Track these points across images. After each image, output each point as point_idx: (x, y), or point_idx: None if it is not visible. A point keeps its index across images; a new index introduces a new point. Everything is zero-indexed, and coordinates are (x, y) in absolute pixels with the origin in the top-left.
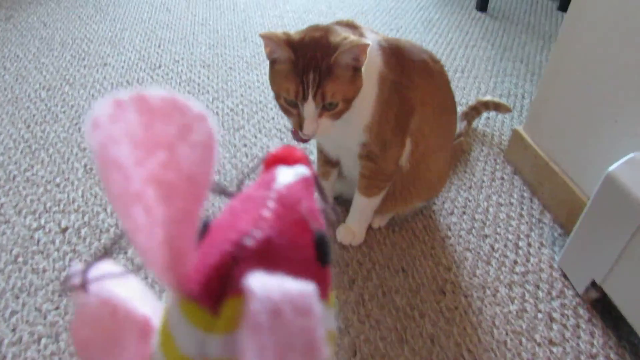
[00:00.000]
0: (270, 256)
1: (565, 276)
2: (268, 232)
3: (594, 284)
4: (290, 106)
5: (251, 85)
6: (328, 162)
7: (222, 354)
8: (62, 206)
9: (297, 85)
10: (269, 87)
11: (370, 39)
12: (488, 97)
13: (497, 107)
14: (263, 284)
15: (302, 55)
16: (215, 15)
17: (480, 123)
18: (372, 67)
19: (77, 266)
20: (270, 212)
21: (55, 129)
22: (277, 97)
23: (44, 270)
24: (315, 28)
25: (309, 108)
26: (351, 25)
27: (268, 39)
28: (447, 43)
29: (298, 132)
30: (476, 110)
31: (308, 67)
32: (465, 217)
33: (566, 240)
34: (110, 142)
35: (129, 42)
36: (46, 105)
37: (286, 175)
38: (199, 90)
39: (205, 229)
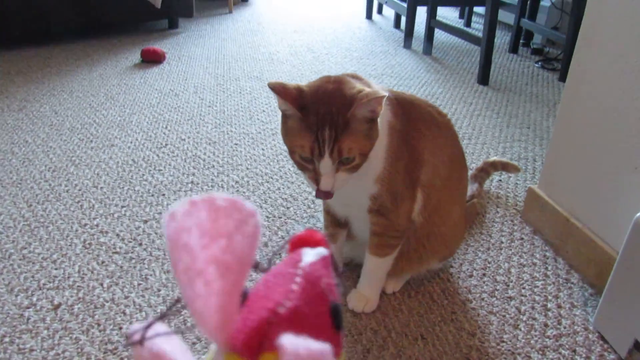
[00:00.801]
0: (296, 321)
1: (603, 338)
2: (296, 303)
3: (637, 345)
4: (306, 162)
5: (257, 159)
6: (336, 224)
7: None
8: (56, 282)
9: (312, 142)
10: (274, 160)
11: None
12: (495, 158)
13: (505, 166)
14: (292, 343)
15: (316, 111)
16: (222, 98)
17: (492, 185)
18: (382, 117)
19: (137, 325)
20: (297, 286)
21: (57, 207)
22: (291, 152)
23: (31, 350)
24: (327, 79)
25: (326, 164)
26: (356, 77)
27: (277, 92)
28: (452, 114)
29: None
30: (485, 171)
31: (323, 122)
32: (486, 279)
33: (599, 299)
34: (182, 230)
35: (136, 125)
36: (50, 185)
37: (310, 256)
38: (204, 166)
39: (244, 297)
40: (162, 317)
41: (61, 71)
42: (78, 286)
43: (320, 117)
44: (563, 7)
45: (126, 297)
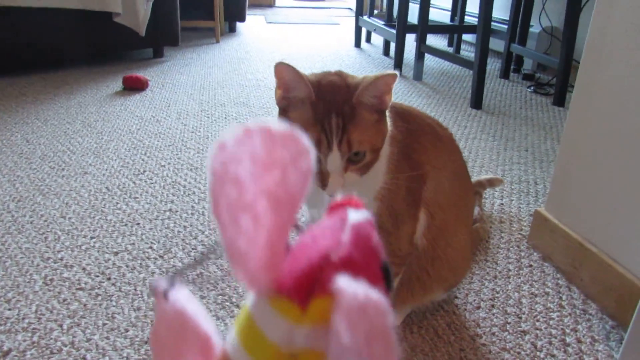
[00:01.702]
0: (350, 270)
1: None
2: (349, 252)
3: None
4: None
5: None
6: None
7: (306, 344)
8: (8, 325)
9: (319, 134)
10: None
11: None
12: (478, 178)
13: (491, 182)
14: (351, 287)
15: (322, 98)
16: (207, 123)
17: (494, 209)
18: None
19: (162, 278)
20: (348, 237)
21: (17, 239)
22: None
23: None
24: (327, 72)
25: (334, 160)
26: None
27: (286, 67)
28: None
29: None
30: (475, 193)
31: (329, 111)
32: (495, 311)
33: (622, 332)
34: (233, 161)
35: (113, 152)
36: (13, 216)
37: (356, 214)
38: (184, 192)
39: (287, 248)
40: (190, 266)
41: (37, 100)
42: (33, 328)
43: (327, 106)
44: (553, 32)
45: (88, 340)
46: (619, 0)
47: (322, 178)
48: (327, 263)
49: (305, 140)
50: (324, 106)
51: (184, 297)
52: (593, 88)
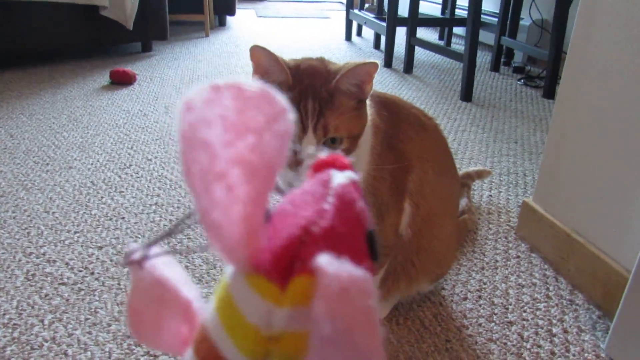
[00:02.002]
0: (332, 243)
1: None
2: (331, 222)
3: None
4: None
5: None
6: None
7: (286, 326)
8: None
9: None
10: None
11: None
12: (466, 170)
13: (479, 174)
14: (333, 265)
15: (299, 83)
16: None
17: (483, 201)
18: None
19: (136, 245)
20: (331, 206)
21: None
22: None
23: None
24: (308, 58)
25: (309, 143)
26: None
27: (262, 51)
28: None
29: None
30: (464, 185)
31: (306, 94)
32: (482, 302)
33: (609, 322)
34: (202, 123)
35: (99, 146)
36: None
37: (339, 177)
38: (170, 186)
39: (267, 217)
40: (167, 235)
41: (22, 95)
42: (14, 324)
43: (303, 89)
44: (543, 25)
45: (70, 335)
46: None
47: (296, 162)
48: (307, 236)
49: (282, 100)
50: (300, 90)
51: (162, 264)
52: (579, 80)
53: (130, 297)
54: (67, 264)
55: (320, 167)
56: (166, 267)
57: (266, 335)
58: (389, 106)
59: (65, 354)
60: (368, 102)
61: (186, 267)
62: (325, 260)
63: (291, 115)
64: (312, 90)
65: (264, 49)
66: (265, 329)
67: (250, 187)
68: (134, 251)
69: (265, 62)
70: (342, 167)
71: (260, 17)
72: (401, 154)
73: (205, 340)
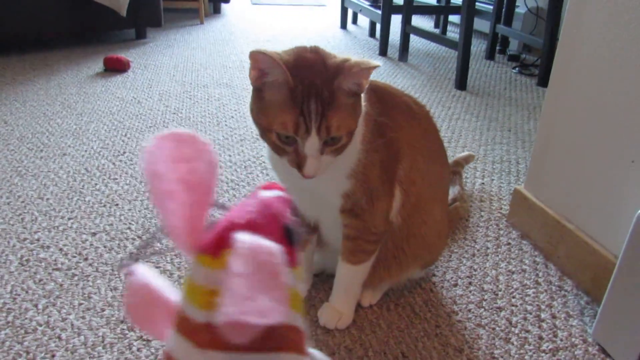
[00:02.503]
0: (251, 229)
1: (604, 351)
2: (251, 217)
3: None
4: (285, 143)
5: (223, 165)
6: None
7: (220, 282)
8: None
9: (297, 117)
10: (242, 167)
11: None
12: (456, 156)
13: (466, 160)
14: (244, 237)
15: (300, 82)
16: (188, 105)
17: (475, 189)
18: None
19: (128, 259)
20: (253, 207)
21: None
22: (267, 132)
23: None
24: (303, 49)
25: (313, 144)
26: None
27: (262, 56)
28: None
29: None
30: (455, 173)
31: (308, 95)
32: (472, 288)
33: (597, 308)
34: (154, 160)
35: (93, 133)
36: None
37: (264, 193)
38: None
39: (212, 225)
40: (144, 246)
41: (16, 81)
42: (8, 308)
43: (305, 88)
44: (538, 12)
45: (63, 320)
46: None
47: (299, 161)
48: (232, 225)
49: (204, 140)
50: (302, 90)
51: (146, 272)
52: (570, 67)
53: (126, 296)
54: (61, 249)
55: (258, 189)
56: (153, 277)
57: (208, 290)
58: (380, 94)
59: (59, 338)
60: None
61: (165, 271)
62: (239, 235)
63: (213, 148)
64: (315, 90)
65: (264, 54)
66: (206, 286)
67: (191, 196)
68: (124, 263)
69: (265, 66)
70: (274, 188)
71: (255, 4)
72: (391, 141)
73: (178, 313)
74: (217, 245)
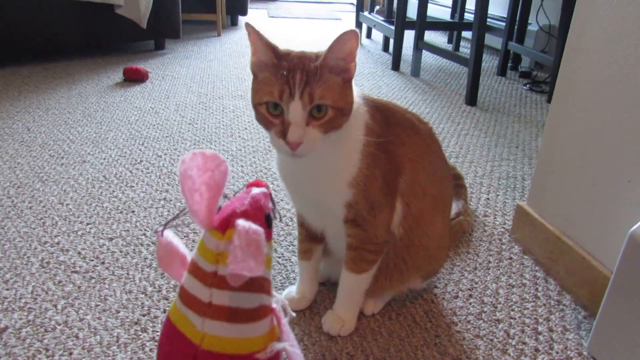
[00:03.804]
0: (246, 217)
1: None
2: (246, 208)
3: None
4: (273, 115)
5: (235, 176)
6: (311, 238)
7: (225, 249)
8: (6, 304)
9: (282, 85)
10: (254, 177)
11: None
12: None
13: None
14: (243, 222)
15: (288, 61)
16: (204, 116)
17: (480, 204)
18: (358, 116)
19: (160, 227)
20: (247, 201)
21: (17, 224)
22: (259, 107)
23: None
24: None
25: (296, 109)
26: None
27: (253, 32)
28: (439, 132)
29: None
30: (459, 186)
31: (294, 69)
32: (472, 300)
33: (593, 322)
34: (188, 168)
35: (112, 142)
36: (13, 201)
37: (256, 190)
38: (178, 183)
39: (219, 209)
40: (173, 219)
41: (39, 89)
42: (29, 308)
43: (292, 65)
44: (550, 31)
45: (81, 320)
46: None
47: (284, 128)
48: (234, 213)
49: (221, 158)
50: (289, 66)
51: (170, 235)
52: (572, 87)
53: (158, 248)
54: (79, 253)
55: (250, 186)
56: (172, 237)
57: (216, 253)
58: (383, 111)
59: (77, 337)
60: (362, 101)
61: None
62: (240, 221)
63: (226, 166)
64: (301, 66)
65: (252, 29)
66: (215, 250)
67: (210, 194)
68: (158, 229)
69: (252, 39)
70: (261, 186)
71: (272, 17)
72: (393, 156)
73: (192, 263)
74: (224, 226)
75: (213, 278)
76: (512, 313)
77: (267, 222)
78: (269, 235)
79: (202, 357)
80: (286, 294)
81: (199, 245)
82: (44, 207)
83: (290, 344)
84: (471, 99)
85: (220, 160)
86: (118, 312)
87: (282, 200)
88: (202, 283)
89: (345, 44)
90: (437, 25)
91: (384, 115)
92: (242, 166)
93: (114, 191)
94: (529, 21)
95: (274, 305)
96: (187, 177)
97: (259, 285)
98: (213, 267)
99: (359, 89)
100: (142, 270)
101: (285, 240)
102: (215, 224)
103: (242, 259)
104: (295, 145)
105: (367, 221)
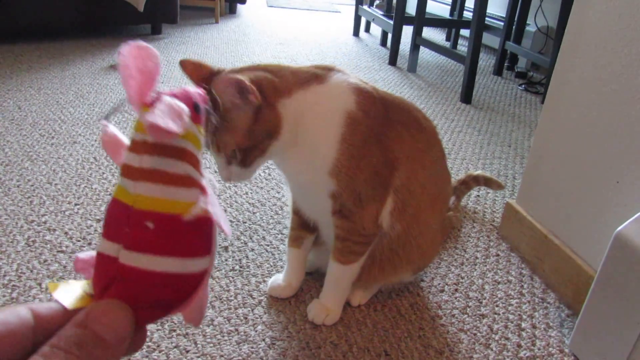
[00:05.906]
0: (176, 98)
1: None
2: (174, 93)
3: None
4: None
5: None
6: (304, 226)
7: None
8: None
9: (206, 134)
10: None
11: (341, 79)
12: (479, 172)
13: (488, 182)
14: (166, 97)
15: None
16: None
17: (470, 200)
18: (334, 105)
19: (104, 117)
20: (177, 90)
21: (3, 202)
22: None
23: None
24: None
25: (217, 157)
26: (327, 68)
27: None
28: None
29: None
30: (466, 184)
31: (207, 119)
32: (457, 295)
33: (576, 320)
34: (124, 57)
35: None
36: (0, 179)
37: (192, 89)
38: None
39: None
40: (114, 110)
41: (32, 68)
42: (13, 285)
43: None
44: (548, 32)
45: None
46: (594, 2)
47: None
48: (163, 93)
49: (151, 48)
50: (206, 117)
51: (113, 127)
52: (565, 88)
53: (102, 136)
54: (66, 233)
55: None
56: (114, 129)
57: (142, 122)
58: (388, 106)
59: None
60: (347, 90)
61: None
62: (165, 96)
63: (156, 53)
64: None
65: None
66: (145, 123)
67: (142, 77)
68: (103, 120)
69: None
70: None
71: (271, 6)
72: (389, 150)
73: (130, 140)
74: (153, 103)
75: (143, 145)
76: (496, 309)
77: (195, 109)
78: (196, 119)
79: (135, 216)
80: (272, 281)
81: (134, 125)
82: (32, 185)
83: (212, 206)
84: (466, 96)
85: (152, 50)
86: None
87: (272, 189)
88: (135, 153)
89: (225, 91)
90: (436, 22)
91: (386, 109)
92: None
93: (103, 173)
94: (527, 22)
95: (203, 183)
96: (124, 67)
97: (182, 153)
98: (143, 137)
99: (354, 79)
100: None
101: (275, 229)
102: (146, 103)
103: (160, 116)
104: (227, 181)
105: (353, 213)
